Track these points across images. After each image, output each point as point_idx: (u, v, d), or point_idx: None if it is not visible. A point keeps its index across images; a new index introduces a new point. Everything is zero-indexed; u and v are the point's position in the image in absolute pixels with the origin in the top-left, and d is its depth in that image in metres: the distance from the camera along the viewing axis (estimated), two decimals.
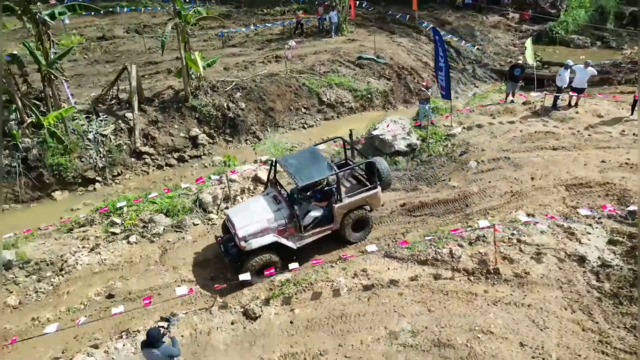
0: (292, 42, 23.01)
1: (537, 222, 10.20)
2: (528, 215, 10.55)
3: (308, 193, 10.48)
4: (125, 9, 27.99)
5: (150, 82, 19.08)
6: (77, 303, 9.29)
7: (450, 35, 24.56)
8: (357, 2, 27.26)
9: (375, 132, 14.04)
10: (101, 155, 15.47)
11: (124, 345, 7.90)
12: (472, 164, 13.08)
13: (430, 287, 8.91)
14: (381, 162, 11.27)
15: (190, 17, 16.86)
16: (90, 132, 15.71)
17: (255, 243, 9.29)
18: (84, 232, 11.57)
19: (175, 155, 16.63)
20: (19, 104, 14.75)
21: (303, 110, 19.15)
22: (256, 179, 12.54)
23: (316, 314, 8.46)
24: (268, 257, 9.29)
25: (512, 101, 16.13)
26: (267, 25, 26.27)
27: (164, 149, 16.56)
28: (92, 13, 26.61)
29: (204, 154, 16.80)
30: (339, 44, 23.16)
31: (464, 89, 22.22)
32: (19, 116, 14.92)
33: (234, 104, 17.91)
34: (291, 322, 8.32)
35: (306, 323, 8.28)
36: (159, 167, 16.30)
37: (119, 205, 12.03)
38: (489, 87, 21.91)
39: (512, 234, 10.02)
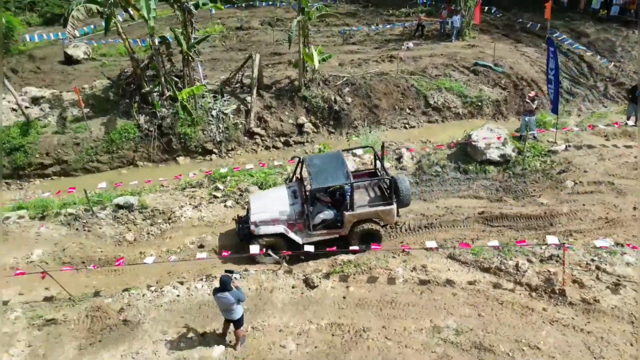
0: (409, 44, 23.39)
1: (625, 253, 9.55)
2: (617, 244, 9.90)
3: (322, 195, 10.90)
4: (264, 3, 30.70)
5: (272, 71, 20.96)
6: (175, 247, 11.15)
7: (584, 49, 22.78)
8: (485, 8, 26.49)
9: (469, 139, 13.97)
10: (220, 130, 17.64)
11: (202, 286, 9.39)
12: (569, 184, 12.42)
13: (486, 294, 8.96)
14: (403, 181, 11.13)
15: (312, 13, 18.23)
16: (214, 109, 17.97)
17: (264, 230, 10.23)
18: (192, 192, 13.54)
19: (282, 139, 18.24)
20: (162, 79, 17.49)
21: (407, 110, 19.51)
22: None
23: (368, 295, 9.08)
24: (274, 242, 10.21)
25: (633, 125, 14.73)
26: (388, 25, 26.85)
27: (273, 132, 18.26)
28: (235, 5, 30.01)
29: (307, 141, 18.14)
30: (457, 49, 22.90)
31: (590, 107, 20.56)
32: (160, 89, 17.67)
33: (341, 98, 18.96)
34: (344, 297, 9.05)
35: (357, 301, 8.95)
36: (267, 147, 18.04)
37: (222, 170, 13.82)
38: (619, 109, 19.96)
39: (592, 260, 9.52)
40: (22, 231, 11.77)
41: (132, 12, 17.51)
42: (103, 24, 17.14)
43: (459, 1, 24.03)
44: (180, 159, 17.27)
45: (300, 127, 18.41)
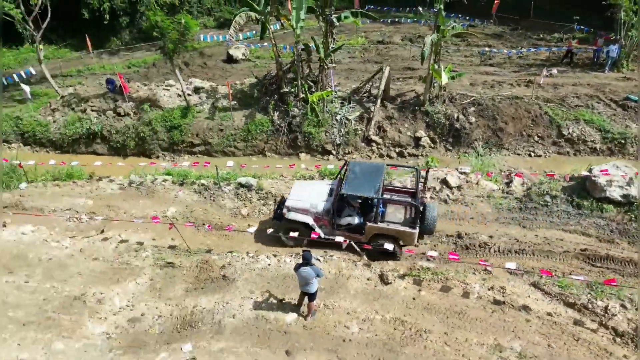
0: (553, 70, 22.18)
1: None
2: None
3: (353, 201, 11.54)
4: (409, 20, 31.58)
5: (401, 85, 21.70)
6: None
7: None
8: None
9: (589, 173, 13.06)
10: (341, 134, 18.98)
11: (290, 261, 10.63)
12: None
13: (563, 328, 8.62)
14: (432, 210, 11.19)
15: (447, 32, 18.58)
16: (339, 114, 19.38)
17: (293, 216, 11.37)
18: None
19: (397, 149, 18.88)
20: (299, 82, 19.46)
21: (536, 138, 18.64)
22: (443, 182, 13.60)
23: (438, 301, 9.37)
24: (297, 228, 11.16)
25: None
26: (533, 49, 25.61)
27: (389, 141, 19.02)
28: (381, 20, 31.43)
29: (422, 155, 18.50)
30: (608, 80, 21.02)
31: None
32: (296, 91, 19.67)
33: (465, 116, 18.92)
34: (413, 299, 9.48)
35: (425, 304, 9.31)
36: (380, 155, 18.86)
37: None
38: None
39: None
40: (165, 192, 14.43)
41: (283, 22, 19.84)
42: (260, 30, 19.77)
43: (620, 29, 22.03)
44: (302, 155, 18.99)
45: (417, 140, 18.84)
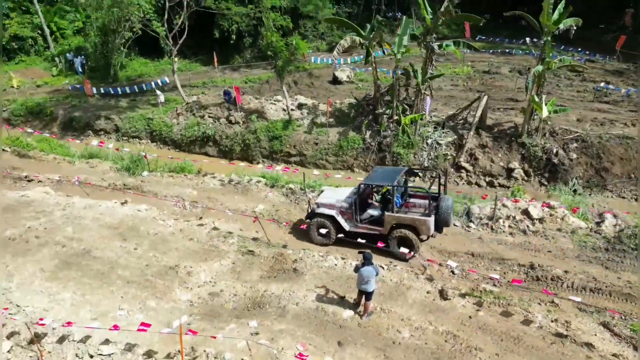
0: None
1: None
2: None
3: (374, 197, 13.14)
4: (520, 52, 30.74)
5: (501, 115, 21.35)
6: None
7: None
8: None
9: None
10: (430, 157, 19.27)
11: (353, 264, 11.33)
12: None
13: None
14: (446, 200, 12.17)
15: (552, 64, 18.08)
16: (430, 138, 19.71)
17: (321, 210, 12.79)
18: None
19: (487, 179, 18.65)
20: (394, 104, 20.22)
21: None
22: (525, 212, 13.27)
23: (495, 324, 9.35)
24: (322, 222, 12.56)
25: None
26: None
27: (480, 170, 18.85)
28: (491, 51, 31.07)
29: (512, 186, 18.00)
30: None
31: None
32: (390, 113, 20.44)
33: (565, 152, 18.10)
34: (470, 317, 9.56)
35: (481, 324, 9.35)
36: (469, 183, 18.76)
37: None
38: None
39: None
40: (257, 191, 16.04)
41: (386, 48, 20.85)
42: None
43: None
44: None
45: (509, 171, 18.42)
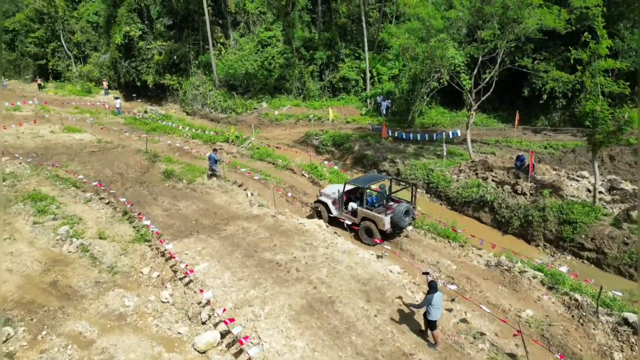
0: None
1: None
2: None
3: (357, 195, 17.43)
4: None
5: None
6: None
7: None
8: None
9: None
10: None
11: None
12: None
13: None
14: (401, 206, 15.64)
15: None
16: None
17: (322, 198, 17.63)
18: None
19: None
20: None
21: None
22: None
23: None
24: (317, 206, 17.76)
25: None
26: None
27: None
28: None
29: None
30: None
31: None
32: None
33: None
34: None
35: None
36: None
37: None
38: None
39: None
40: (529, 289, 13.03)
41: None
42: None
43: None
44: None
45: None
